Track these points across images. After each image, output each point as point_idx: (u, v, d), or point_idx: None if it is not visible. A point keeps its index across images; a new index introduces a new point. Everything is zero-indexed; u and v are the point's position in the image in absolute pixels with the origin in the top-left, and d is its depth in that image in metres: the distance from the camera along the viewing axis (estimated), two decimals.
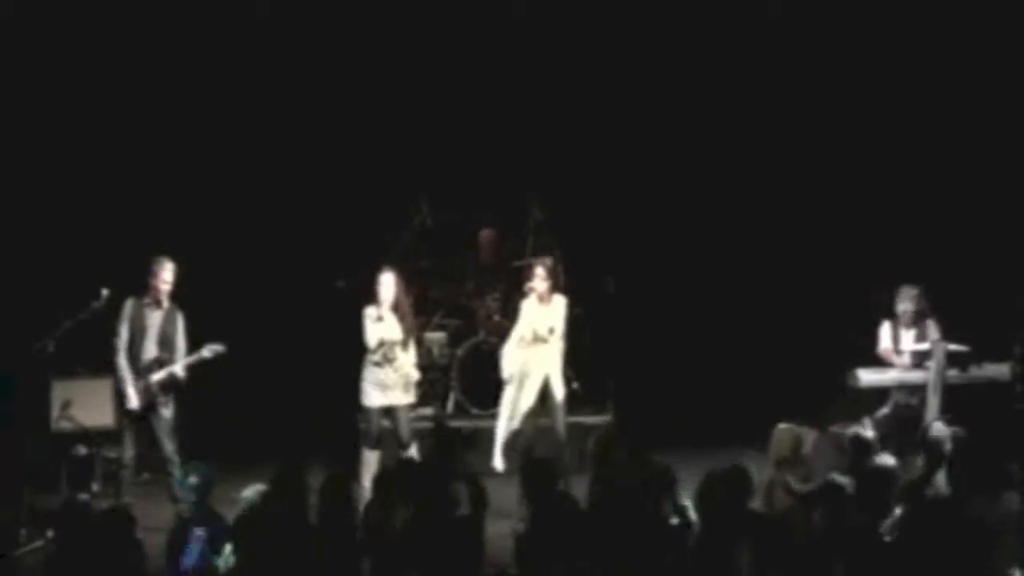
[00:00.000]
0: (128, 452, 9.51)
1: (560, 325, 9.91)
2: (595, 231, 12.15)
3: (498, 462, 10.02)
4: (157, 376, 9.48)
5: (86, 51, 11.70)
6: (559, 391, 9.95)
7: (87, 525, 6.76)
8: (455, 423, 11.11)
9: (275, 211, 12.34)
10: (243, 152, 12.23)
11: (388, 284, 9.83)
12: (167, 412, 9.54)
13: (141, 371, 9.51)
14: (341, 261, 11.48)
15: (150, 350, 9.54)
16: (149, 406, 9.49)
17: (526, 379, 9.96)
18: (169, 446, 9.49)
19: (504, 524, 8.21)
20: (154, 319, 9.55)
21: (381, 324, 9.79)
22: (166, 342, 9.55)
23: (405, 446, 9.85)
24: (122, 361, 9.50)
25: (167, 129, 12.08)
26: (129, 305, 9.55)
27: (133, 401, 9.45)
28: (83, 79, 11.80)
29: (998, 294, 10.47)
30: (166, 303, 9.57)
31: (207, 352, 9.55)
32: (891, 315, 9.91)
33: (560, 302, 9.95)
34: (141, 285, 9.57)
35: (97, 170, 11.99)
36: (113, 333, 9.52)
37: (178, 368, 9.51)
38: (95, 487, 10.62)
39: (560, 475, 8.06)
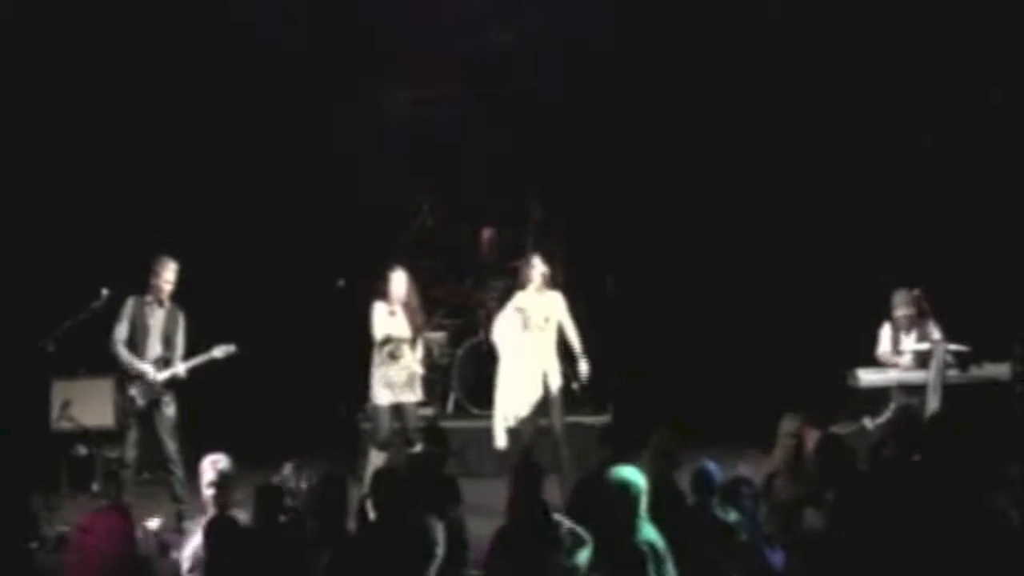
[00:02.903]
0: (131, 452, 9.51)
1: (555, 317, 9.92)
2: (595, 231, 12.15)
3: (500, 440, 10.01)
4: (162, 376, 9.50)
5: (86, 50, 11.69)
6: (555, 386, 9.94)
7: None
8: (453, 423, 11.10)
9: (274, 211, 12.34)
10: (240, 152, 12.23)
11: (400, 281, 9.86)
12: (170, 411, 9.55)
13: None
14: (341, 261, 11.49)
15: (154, 349, 9.57)
16: (154, 404, 9.50)
17: (524, 369, 9.96)
18: (171, 445, 9.51)
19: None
20: (156, 318, 9.58)
21: (392, 319, 9.81)
22: (169, 341, 9.59)
23: (413, 444, 9.86)
24: (122, 350, 9.51)
25: (167, 130, 12.08)
26: (131, 304, 9.58)
27: (151, 373, 9.46)
28: (83, 79, 11.79)
29: (998, 294, 10.49)
30: (168, 302, 9.60)
31: (218, 352, 9.58)
32: (891, 317, 9.92)
33: (556, 296, 9.97)
34: (143, 284, 9.59)
35: (98, 170, 11.99)
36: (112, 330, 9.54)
37: (181, 369, 9.53)
38: (95, 487, 10.63)
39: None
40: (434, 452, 8.55)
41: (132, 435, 9.53)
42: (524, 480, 7.10)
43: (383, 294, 9.86)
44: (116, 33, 11.75)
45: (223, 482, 7.33)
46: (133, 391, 9.50)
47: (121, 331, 9.54)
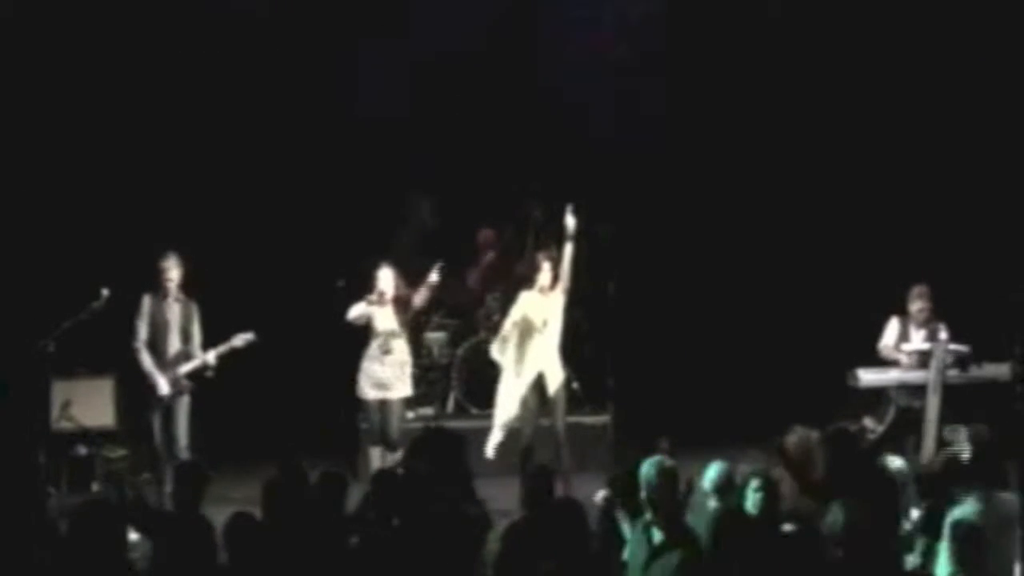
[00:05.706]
0: (159, 438, 9.56)
1: (557, 319, 9.93)
2: (595, 232, 12.13)
3: (489, 450, 10.01)
4: (187, 367, 9.56)
5: (85, 49, 11.69)
6: (553, 386, 9.92)
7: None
8: (454, 423, 11.07)
9: (274, 211, 12.32)
10: (240, 152, 12.22)
11: (387, 278, 9.92)
12: (185, 402, 9.63)
13: (168, 364, 9.61)
14: (341, 261, 11.47)
15: (174, 344, 9.65)
16: (177, 394, 9.58)
17: (520, 371, 9.96)
18: (184, 440, 9.57)
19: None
20: (174, 313, 9.67)
21: (378, 310, 9.83)
22: (187, 335, 9.67)
23: (392, 444, 9.85)
24: (145, 357, 9.57)
25: (166, 129, 12.07)
26: (147, 302, 9.64)
27: (163, 388, 9.54)
28: (83, 79, 11.78)
29: (998, 294, 10.46)
30: (181, 296, 9.63)
31: (238, 341, 9.67)
32: (901, 312, 9.91)
33: (558, 297, 9.96)
34: (144, 283, 9.60)
35: (97, 169, 11.98)
36: (127, 330, 9.60)
37: (210, 357, 9.62)
38: (95, 487, 10.62)
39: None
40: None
41: (157, 423, 9.58)
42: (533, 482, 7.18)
43: (372, 291, 9.90)
44: (115, 30, 11.75)
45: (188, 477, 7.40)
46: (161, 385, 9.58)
47: (142, 331, 9.61)
